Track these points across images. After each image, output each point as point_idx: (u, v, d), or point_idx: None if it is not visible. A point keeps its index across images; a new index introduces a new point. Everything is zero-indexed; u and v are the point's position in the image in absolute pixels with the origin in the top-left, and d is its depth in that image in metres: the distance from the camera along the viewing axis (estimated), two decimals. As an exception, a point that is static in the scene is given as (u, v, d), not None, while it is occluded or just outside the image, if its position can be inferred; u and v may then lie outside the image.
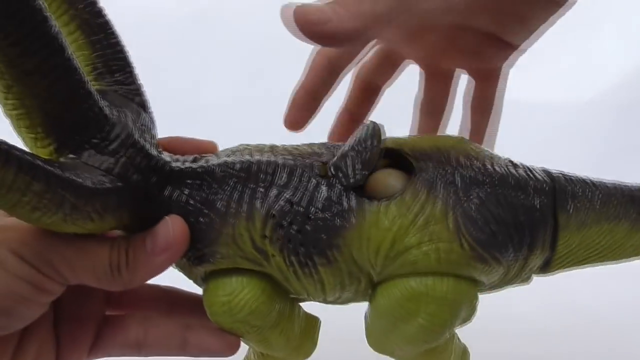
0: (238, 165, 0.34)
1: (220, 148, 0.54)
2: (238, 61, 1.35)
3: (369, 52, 0.44)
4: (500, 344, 0.68)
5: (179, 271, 0.40)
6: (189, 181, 0.34)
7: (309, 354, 0.41)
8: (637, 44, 1.31)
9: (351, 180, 0.33)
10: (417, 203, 0.33)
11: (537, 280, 0.74)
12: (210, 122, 1.06)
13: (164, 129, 1.44)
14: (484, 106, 0.48)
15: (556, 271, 0.41)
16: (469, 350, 0.52)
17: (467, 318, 0.38)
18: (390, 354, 0.40)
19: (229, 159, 0.35)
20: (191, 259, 0.34)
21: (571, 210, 0.37)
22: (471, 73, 0.47)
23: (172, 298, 0.42)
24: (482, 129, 0.48)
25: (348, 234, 0.33)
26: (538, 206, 0.35)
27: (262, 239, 0.33)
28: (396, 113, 1.42)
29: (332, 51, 0.44)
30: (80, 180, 0.28)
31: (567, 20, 1.50)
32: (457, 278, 0.34)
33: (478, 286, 0.36)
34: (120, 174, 0.31)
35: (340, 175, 0.33)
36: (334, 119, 0.48)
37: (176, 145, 0.41)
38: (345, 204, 0.33)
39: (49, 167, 0.27)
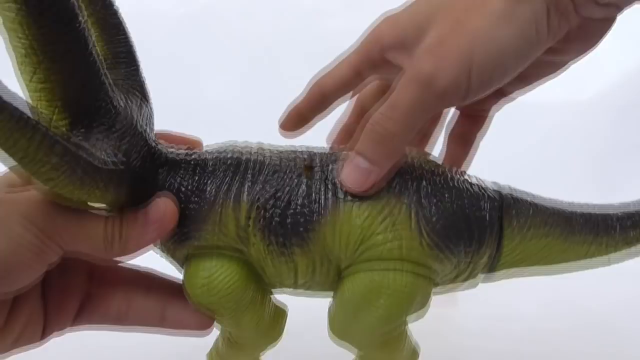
0: (229, 161, 0.39)
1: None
2: (238, 61, 1.35)
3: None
4: (501, 344, 0.68)
5: (163, 255, 0.42)
6: (182, 169, 0.38)
7: (276, 340, 0.44)
8: (637, 44, 1.31)
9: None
10: (387, 207, 0.38)
11: (538, 280, 0.74)
12: (210, 121, 1.06)
13: (164, 127, 1.43)
14: (466, 141, 0.50)
15: (501, 271, 0.44)
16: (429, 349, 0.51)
17: (420, 312, 0.42)
18: (350, 342, 0.43)
19: (221, 155, 0.40)
20: (177, 238, 0.38)
21: (514, 224, 0.42)
22: (463, 111, 0.48)
23: (151, 279, 0.44)
24: (460, 160, 0.49)
25: (322, 227, 0.37)
26: (487, 217, 0.40)
27: (245, 227, 0.37)
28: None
29: (327, 84, 0.46)
30: (90, 159, 0.33)
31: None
32: (415, 274, 0.38)
33: (432, 284, 0.40)
34: (122, 157, 0.35)
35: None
36: (334, 128, 0.48)
37: (165, 139, 0.44)
38: (322, 201, 0.37)
39: (66, 144, 0.31)
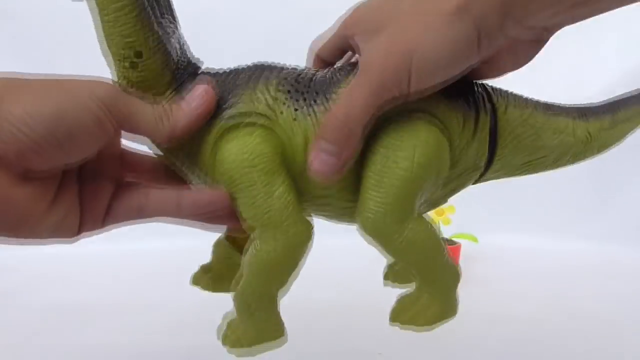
0: (257, 64, 0.46)
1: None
2: (238, 61, 1.35)
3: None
4: (501, 344, 0.68)
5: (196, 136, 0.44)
6: (216, 72, 0.46)
7: (310, 233, 0.43)
8: (637, 44, 1.32)
9: None
10: None
11: (538, 281, 0.74)
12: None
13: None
14: None
15: (504, 153, 0.46)
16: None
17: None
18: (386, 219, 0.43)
19: (245, 65, 0.47)
20: (215, 113, 0.42)
21: (500, 95, 0.47)
22: None
23: (168, 171, 0.49)
24: None
25: (340, 89, 0.42)
26: (477, 90, 0.46)
27: (274, 100, 0.42)
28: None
29: (322, 55, 0.52)
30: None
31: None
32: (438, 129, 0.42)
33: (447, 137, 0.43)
34: (179, 49, 0.46)
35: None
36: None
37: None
38: (333, 75, 0.44)
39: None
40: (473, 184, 0.48)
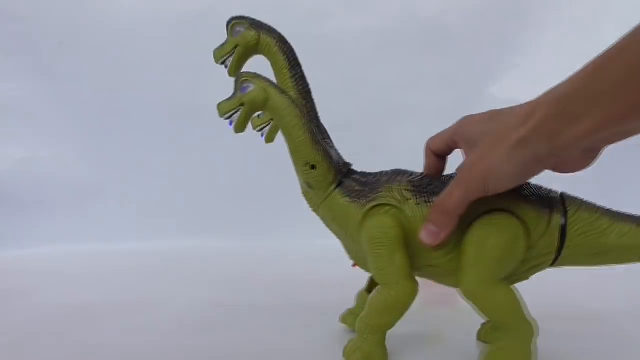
0: (395, 170, 0.65)
1: (219, 146, 0.64)
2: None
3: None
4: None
5: (341, 210, 0.62)
6: (357, 176, 0.65)
7: (415, 292, 0.59)
8: (637, 44, 1.32)
9: None
10: None
11: (538, 281, 0.74)
12: (210, 120, 1.06)
13: (163, 129, 1.43)
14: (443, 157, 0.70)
15: (572, 245, 0.58)
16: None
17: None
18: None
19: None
20: (365, 200, 0.61)
21: (573, 201, 0.60)
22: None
23: None
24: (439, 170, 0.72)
25: None
26: (552, 195, 0.60)
27: (406, 192, 0.60)
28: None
29: (433, 149, 0.66)
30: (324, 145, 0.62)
31: (566, 20, 1.51)
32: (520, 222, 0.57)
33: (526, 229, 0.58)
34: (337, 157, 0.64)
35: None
36: None
37: None
38: (447, 179, 0.61)
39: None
40: (551, 266, 0.61)
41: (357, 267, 0.65)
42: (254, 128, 0.63)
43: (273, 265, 1.12)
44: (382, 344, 0.61)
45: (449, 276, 0.60)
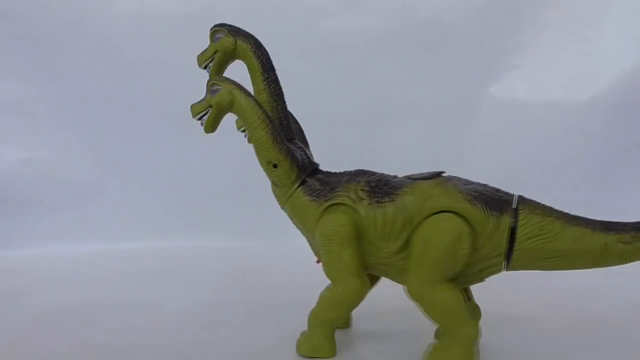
0: (357, 170, 0.66)
1: (220, 147, 0.70)
2: (237, 62, 1.35)
3: None
4: (501, 344, 0.68)
5: (302, 208, 0.64)
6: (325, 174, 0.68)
7: (362, 289, 0.61)
8: (637, 44, 1.32)
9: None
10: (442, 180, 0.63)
11: (538, 281, 0.74)
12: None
13: (163, 129, 1.43)
14: None
15: (522, 248, 0.58)
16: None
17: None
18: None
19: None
20: (322, 199, 0.63)
21: (527, 203, 0.60)
22: None
23: None
24: None
25: (401, 191, 0.61)
26: (506, 197, 0.61)
27: (362, 191, 0.62)
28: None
29: None
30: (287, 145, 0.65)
31: (566, 20, 1.51)
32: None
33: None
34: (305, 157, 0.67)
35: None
36: None
37: None
38: (403, 181, 0.63)
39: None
40: (507, 270, 0.61)
41: (320, 264, 0.65)
42: (193, 116, 0.65)
43: (273, 265, 1.12)
44: (330, 336, 0.63)
45: (400, 275, 0.61)
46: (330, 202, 0.62)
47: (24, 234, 1.28)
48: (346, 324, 0.73)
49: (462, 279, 0.61)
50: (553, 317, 0.79)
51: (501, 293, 0.94)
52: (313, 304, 0.62)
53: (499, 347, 0.66)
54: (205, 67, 0.70)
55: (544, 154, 1.35)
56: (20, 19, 1.30)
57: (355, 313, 0.73)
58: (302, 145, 0.69)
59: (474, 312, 0.67)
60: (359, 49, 1.37)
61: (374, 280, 0.67)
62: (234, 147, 1.05)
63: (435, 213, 0.58)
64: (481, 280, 0.62)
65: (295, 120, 0.73)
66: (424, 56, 1.37)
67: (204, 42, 0.82)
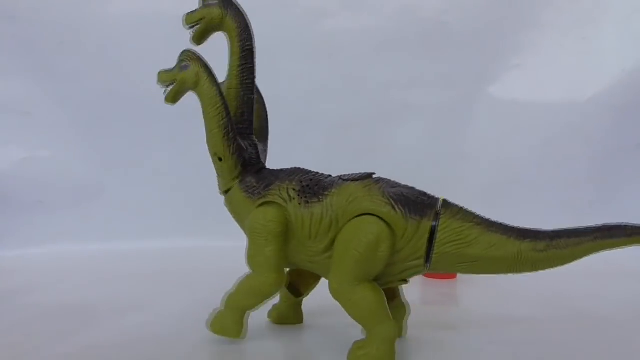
0: (294, 169, 0.67)
1: None
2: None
3: None
4: (501, 344, 0.68)
5: (239, 203, 0.67)
6: (266, 171, 0.69)
7: (277, 284, 0.64)
8: (637, 44, 1.32)
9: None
10: (369, 183, 0.63)
11: (538, 281, 0.74)
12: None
13: (163, 129, 1.43)
14: None
15: (439, 252, 0.59)
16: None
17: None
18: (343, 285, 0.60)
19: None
20: (257, 195, 0.65)
21: (449, 208, 0.60)
22: None
23: None
24: None
25: (330, 192, 0.62)
26: (429, 202, 0.61)
27: (293, 191, 0.64)
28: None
29: None
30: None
31: (566, 20, 1.51)
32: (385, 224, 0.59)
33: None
34: (252, 151, 0.69)
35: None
36: None
37: None
38: (335, 181, 0.64)
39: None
40: (429, 271, 0.61)
41: None
42: (158, 83, 0.66)
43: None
44: (239, 321, 0.66)
45: (327, 273, 0.62)
46: (262, 201, 0.64)
47: (24, 234, 1.28)
48: (299, 319, 0.75)
49: (384, 279, 0.61)
50: (553, 317, 0.79)
51: (501, 293, 0.94)
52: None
53: (499, 347, 0.66)
54: (190, 28, 0.69)
55: (544, 154, 1.35)
56: (20, 19, 1.30)
57: (307, 308, 0.75)
58: (256, 142, 0.69)
59: (401, 309, 0.68)
60: (359, 49, 1.37)
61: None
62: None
63: (358, 215, 0.59)
64: (405, 280, 0.63)
65: (264, 107, 0.74)
66: (424, 56, 1.37)
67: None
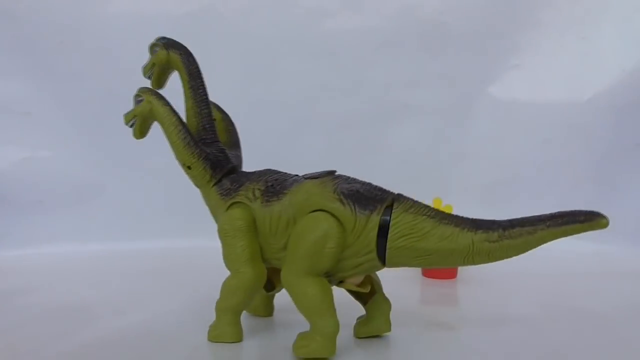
0: (263, 170, 0.72)
1: None
2: (238, 61, 1.36)
3: None
4: (501, 344, 0.68)
5: (215, 205, 0.72)
6: (236, 174, 0.74)
7: (255, 278, 0.66)
8: (637, 44, 1.32)
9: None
10: (325, 182, 0.64)
11: (538, 281, 0.74)
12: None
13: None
14: None
15: (394, 246, 0.59)
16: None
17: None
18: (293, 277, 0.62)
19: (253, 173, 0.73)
20: (226, 196, 0.70)
21: (402, 201, 0.61)
22: None
23: None
24: None
25: (289, 190, 0.65)
26: (382, 196, 0.62)
27: (258, 191, 0.67)
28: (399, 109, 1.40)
29: None
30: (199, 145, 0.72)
31: (566, 20, 1.51)
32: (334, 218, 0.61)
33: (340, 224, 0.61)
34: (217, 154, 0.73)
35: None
36: None
37: None
38: (296, 180, 0.67)
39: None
40: (387, 267, 0.62)
41: None
42: (125, 123, 0.72)
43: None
44: (233, 322, 0.68)
45: None
46: (231, 201, 0.69)
47: (24, 234, 1.28)
48: (269, 312, 0.78)
49: (338, 274, 0.63)
50: (553, 317, 0.79)
51: (501, 293, 0.94)
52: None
53: (499, 347, 0.66)
54: (149, 77, 0.77)
55: (544, 154, 1.35)
56: (20, 19, 1.30)
57: (278, 302, 0.76)
58: (223, 148, 0.74)
59: (384, 305, 0.69)
60: (359, 49, 1.37)
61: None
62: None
63: (312, 212, 0.61)
64: (358, 275, 0.64)
65: (231, 123, 0.81)
66: (424, 56, 1.37)
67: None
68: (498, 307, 0.85)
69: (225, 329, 0.68)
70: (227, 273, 0.68)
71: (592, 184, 1.31)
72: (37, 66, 1.32)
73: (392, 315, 0.68)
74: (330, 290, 0.61)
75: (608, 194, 1.30)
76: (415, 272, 1.08)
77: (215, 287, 0.68)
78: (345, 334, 0.69)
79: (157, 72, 0.75)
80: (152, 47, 0.75)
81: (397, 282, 0.98)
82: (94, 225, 1.32)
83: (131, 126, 0.72)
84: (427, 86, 1.37)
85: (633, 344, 0.69)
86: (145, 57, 0.76)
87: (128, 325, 0.75)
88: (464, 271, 1.07)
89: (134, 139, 0.73)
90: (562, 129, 1.34)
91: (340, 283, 0.65)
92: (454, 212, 1.06)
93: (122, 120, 0.72)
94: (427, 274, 1.07)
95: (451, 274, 1.05)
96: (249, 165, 0.77)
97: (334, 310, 0.61)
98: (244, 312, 0.72)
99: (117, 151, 1.33)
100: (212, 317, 0.75)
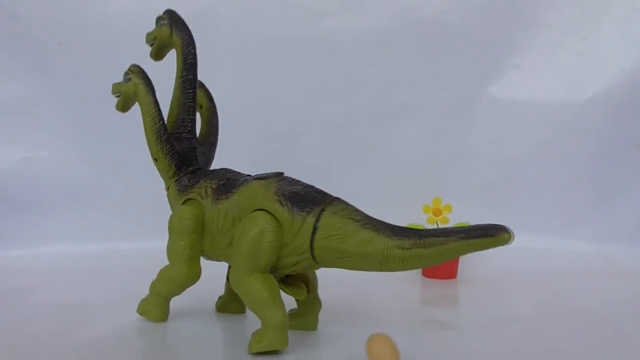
0: (220, 169, 0.74)
1: (218, 146, 0.85)
2: (238, 61, 1.36)
3: None
4: (501, 344, 0.68)
5: (173, 200, 0.75)
6: (195, 173, 0.77)
7: (188, 276, 0.72)
8: (637, 44, 1.32)
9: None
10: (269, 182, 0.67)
11: (538, 281, 0.74)
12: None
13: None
14: None
15: (318, 247, 0.61)
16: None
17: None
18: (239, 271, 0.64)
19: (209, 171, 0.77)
20: (182, 193, 0.74)
21: (335, 204, 0.63)
22: None
23: None
24: None
25: (237, 190, 0.68)
26: (320, 198, 0.63)
27: (210, 189, 0.70)
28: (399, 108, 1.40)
29: None
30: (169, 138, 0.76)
31: (566, 20, 1.51)
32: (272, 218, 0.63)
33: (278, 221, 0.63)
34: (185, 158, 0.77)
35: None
36: None
37: None
38: (247, 180, 0.69)
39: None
40: (322, 266, 0.64)
41: None
42: (112, 93, 0.77)
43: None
44: (160, 305, 0.75)
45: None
46: (185, 197, 0.72)
47: (24, 234, 1.28)
48: (240, 310, 0.80)
49: (279, 271, 0.65)
50: (553, 317, 0.79)
51: (501, 293, 0.94)
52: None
53: (499, 347, 0.66)
54: (151, 46, 0.79)
55: (543, 153, 1.35)
56: (20, 19, 1.30)
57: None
58: (195, 146, 0.77)
59: (315, 304, 0.72)
60: (359, 49, 1.36)
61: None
62: (233, 147, 1.06)
63: (254, 211, 0.64)
64: (300, 272, 0.66)
65: (215, 115, 0.82)
66: (424, 56, 1.37)
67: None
68: (498, 307, 0.85)
69: (153, 309, 0.75)
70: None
71: (592, 184, 1.31)
72: (37, 66, 1.32)
73: (392, 315, 0.68)
74: (276, 285, 0.63)
75: (608, 194, 1.30)
76: (415, 272, 1.08)
77: (215, 287, 0.68)
78: (348, 337, 0.69)
79: (158, 46, 0.77)
80: (159, 20, 0.77)
81: (397, 282, 0.98)
82: (93, 225, 1.32)
83: (117, 97, 0.76)
84: (427, 86, 1.37)
85: (633, 344, 0.69)
86: (145, 57, 0.77)
87: (128, 325, 0.75)
88: (464, 271, 1.07)
89: (117, 111, 0.78)
90: (562, 129, 1.34)
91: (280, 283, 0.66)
92: (454, 211, 1.08)
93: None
94: (427, 274, 1.07)
95: (451, 274, 1.05)
96: (248, 165, 0.77)
97: (281, 302, 0.62)
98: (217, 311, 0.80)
99: (116, 151, 1.34)
100: (212, 316, 0.75)
